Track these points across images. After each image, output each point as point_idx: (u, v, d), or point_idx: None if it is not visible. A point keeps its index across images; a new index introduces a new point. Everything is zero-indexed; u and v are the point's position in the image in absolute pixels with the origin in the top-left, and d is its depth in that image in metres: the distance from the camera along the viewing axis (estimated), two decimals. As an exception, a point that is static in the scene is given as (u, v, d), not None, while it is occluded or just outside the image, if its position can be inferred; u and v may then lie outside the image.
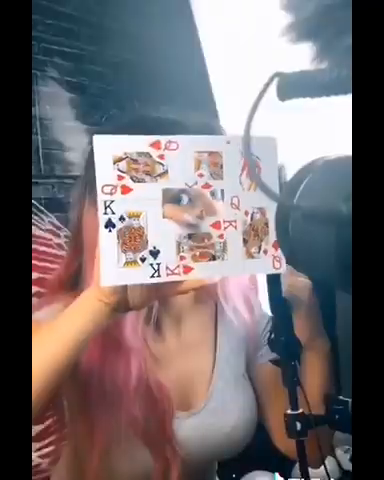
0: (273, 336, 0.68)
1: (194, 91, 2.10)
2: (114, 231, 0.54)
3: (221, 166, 0.58)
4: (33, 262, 1.68)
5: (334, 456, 1.43)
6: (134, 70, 2.10)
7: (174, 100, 1.97)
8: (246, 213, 0.59)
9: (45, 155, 1.86)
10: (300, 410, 0.63)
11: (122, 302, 0.57)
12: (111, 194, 0.54)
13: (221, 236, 0.58)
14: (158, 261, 0.55)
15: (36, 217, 1.78)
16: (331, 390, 0.72)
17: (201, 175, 0.58)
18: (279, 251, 0.60)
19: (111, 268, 0.54)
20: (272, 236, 0.60)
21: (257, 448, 0.84)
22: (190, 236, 0.57)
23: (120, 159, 0.54)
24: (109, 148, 0.54)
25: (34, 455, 1.58)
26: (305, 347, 0.71)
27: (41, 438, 1.57)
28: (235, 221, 0.59)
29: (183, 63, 2.13)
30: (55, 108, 1.90)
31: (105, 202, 0.53)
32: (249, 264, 0.59)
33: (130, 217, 0.54)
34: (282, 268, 0.60)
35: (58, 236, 1.83)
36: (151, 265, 0.55)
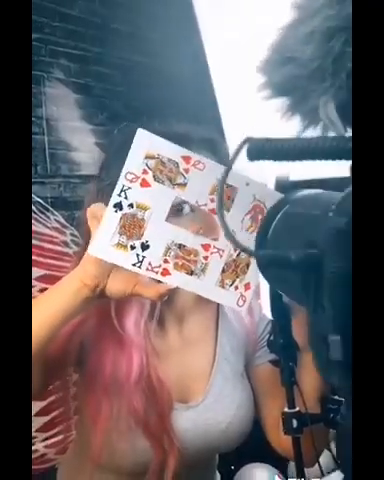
0: (272, 338, 0.72)
1: (198, 92, 2.14)
2: (120, 213, 0.59)
3: (233, 200, 0.63)
4: (39, 259, 1.73)
5: (329, 449, 1.48)
6: (139, 71, 2.14)
7: (179, 100, 2.01)
8: (235, 248, 0.64)
9: (51, 155, 1.90)
10: (297, 408, 0.68)
11: (101, 288, 0.62)
12: (131, 181, 0.59)
13: (206, 258, 0.63)
14: (144, 254, 0.60)
15: (42, 215, 1.83)
16: (326, 390, 0.76)
17: (213, 200, 0.62)
18: (247, 292, 0.65)
19: (103, 241, 0.59)
20: (248, 278, 0.65)
21: (256, 441, 0.87)
22: (180, 246, 0.62)
23: (152, 157, 0.59)
24: (147, 144, 0.59)
25: (40, 445, 1.64)
26: (302, 349, 0.76)
27: (47, 429, 1.63)
28: (223, 250, 0.64)
29: (188, 64, 2.17)
30: (61, 109, 1.94)
31: (123, 186, 0.58)
32: (218, 291, 0.64)
33: (138, 207, 0.59)
34: (244, 307, 0.65)
35: (64, 234, 1.87)
36: (137, 255, 0.60)
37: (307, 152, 0.27)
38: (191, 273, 0.63)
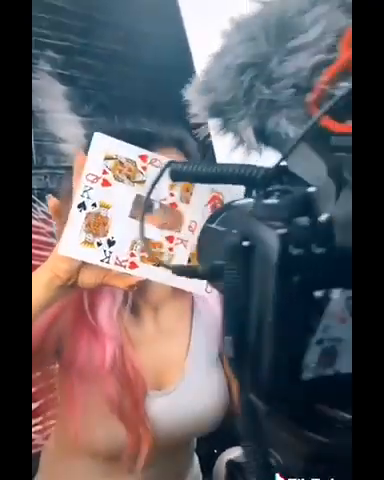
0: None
1: (183, 83, 2.16)
2: (84, 212, 0.62)
3: (191, 193, 0.66)
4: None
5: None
6: (125, 63, 2.16)
7: (164, 91, 2.03)
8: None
9: (37, 147, 1.92)
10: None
11: (73, 279, 0.65)
12: (92, 182, 0.62)
13: (171, 249, 0.67)
14: (111, 250, 0.63)
15: (29, 206, 1.86)
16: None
17: (172, 194, 0.66)
18: None
19: (71, 241, 0.62)
20: None
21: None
22: (146, 240, 0.65)
23: (110, 158, 0.62)
24: (104, 147, 0.62)
25: (29, 431, 1.68)
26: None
27: (35, 415, 1.67)
28: (187, 241, 0.67)
29: (173, 55, 2.18)
30: (47, 100, 1.96)
31: (85, 186, 0.62)
32: (186, 280, 0.68)
33: (101, 206, 0.63)
34: (213, 293, 0.68)
35: (50, 225, 1.90)
36: (104, 251, 0.63)
37: (217, 177, 0.30)
38: (158, 265, 0.66)
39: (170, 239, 0.67)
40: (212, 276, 0.27)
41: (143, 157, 0.64)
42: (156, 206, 0.74)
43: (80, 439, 0.82)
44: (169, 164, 0.32)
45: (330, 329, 0.25)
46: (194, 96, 0.34)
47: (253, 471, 0.25)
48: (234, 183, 0.29)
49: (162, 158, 0.64)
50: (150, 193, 0.33)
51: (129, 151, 0.63)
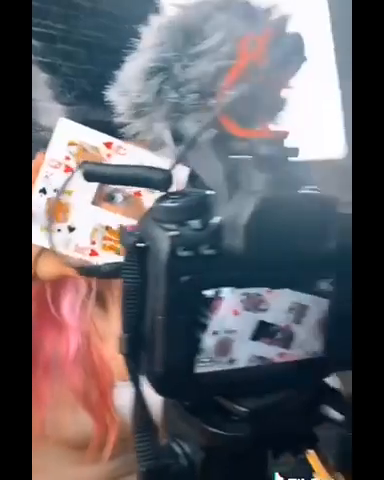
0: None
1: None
2: (45, 197, 0.62)
3: None
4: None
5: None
6: (106, 49, 2.14)
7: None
8: None
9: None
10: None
11: (32, 271, 0.65)
12: (54, 167, 0.62)
13: None
14: (71, 236, 0.63)
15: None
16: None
17: None
18: None
19: (32, 226, 0.61)
20: None
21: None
22: (107, 228, 0.65)
23: (74, 144, 0.62)
24: (68, 133, 0.62)
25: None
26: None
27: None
28: None
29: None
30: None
31: (47, 171, 0.62)
32: None
33: (62, 192, 0.62)
34: None
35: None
36: (64, 237, 0.63)
37: (123, 179, 0.31)
38: (118, 253, 0.67)
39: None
40: (114, 275, 0.28)
41: (108, 144, 0.63)
42: (119, 199, 0.74)
43: (48, 428, 0.83)
44: (82, 164, 0.33)
45: (224, 322, 0.26)
46: (114, 97, 0.35)
47: (146, 459, 0.27)
48: (139, 185, 0.30)
49: (127, 146, 0.64)
50: (59, 194, 0.33)
51: (94, 138, 0.63)
